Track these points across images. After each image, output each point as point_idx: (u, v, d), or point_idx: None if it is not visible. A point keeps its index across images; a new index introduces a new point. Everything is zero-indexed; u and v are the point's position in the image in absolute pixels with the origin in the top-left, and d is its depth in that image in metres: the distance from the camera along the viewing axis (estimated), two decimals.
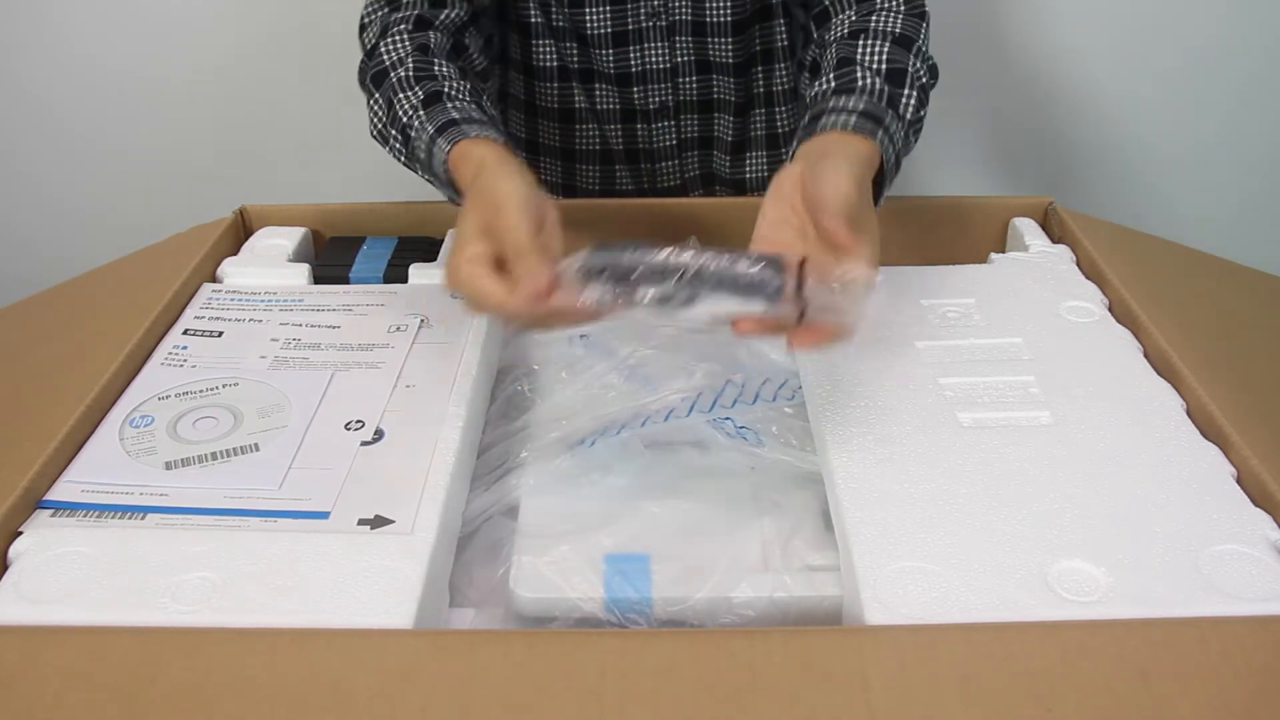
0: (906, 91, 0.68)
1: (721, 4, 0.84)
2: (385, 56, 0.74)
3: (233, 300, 0.72)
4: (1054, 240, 0.78)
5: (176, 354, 0.66)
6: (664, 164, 0.93)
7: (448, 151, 0.65)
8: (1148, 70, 1.31)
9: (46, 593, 0.48)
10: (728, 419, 0.63)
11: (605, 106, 0.90)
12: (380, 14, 0.77)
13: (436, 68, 0.72)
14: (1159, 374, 0.62)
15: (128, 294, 0.71)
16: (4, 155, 1.39)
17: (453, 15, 0.77)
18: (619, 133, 0.91)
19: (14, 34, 1.30)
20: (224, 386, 0.63)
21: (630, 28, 0.85)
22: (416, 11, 0.76)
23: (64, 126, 1.37)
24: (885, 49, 0.71)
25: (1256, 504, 0.52)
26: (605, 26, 0.85)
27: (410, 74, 0.72)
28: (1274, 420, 0.57)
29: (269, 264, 0.76)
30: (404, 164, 0.74)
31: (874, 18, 0.73)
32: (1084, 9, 1.27)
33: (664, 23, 0.85)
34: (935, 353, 0.64)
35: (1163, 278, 0.71)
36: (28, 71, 1.33)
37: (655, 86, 0.88)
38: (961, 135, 1.37)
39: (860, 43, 0.71)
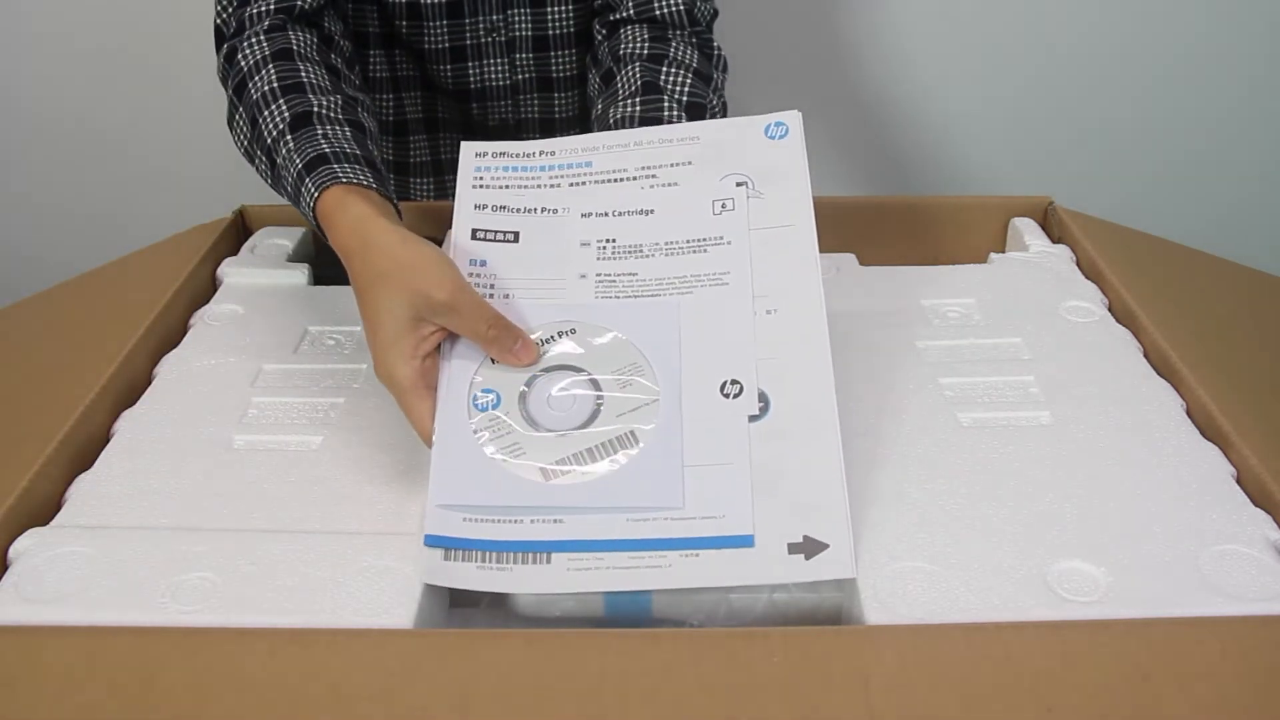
0: None
1: (563, 14, 0.81)
2: (244, 61, 0.67)
3: (509, 172, 0.54)
4: (1054, 240, 0.78)
5: (478, 273, 0.50)
6: None
7: (316, 198, 0.59)
8: (1148, 70, 1.31)
9: (46, 593, 0.48)
10: None
11: (445, 116, 0.87)
12: (233, 10, 0.70)
13: (305, 74, 0.65)
14: (1159, 374, 0.62)
15: (128, 294, 0.71)
16: (3, 156, 1.39)
17: (309, 2, 0.70)
18: (453, 144, 0.87)
19: (11, 34, 1.30)
20: (560, 335, 0.48)
21: (469, 43, 0.82)
22: (270, 5, 0.69)
23: (63, 126, 1.37)
24: (689, 80, 0.72)
25: (1256, 504, 0.52)
26: (443, 41, 0.81)
27: (275, 86, 0.65)
28: (1274, 420, 0.57)
29: (269, 264, 0.76)
30: (271, 187, 0.66)
31: (672, 45, 0.74)
32: (1085, 9, 1.27)
33: (503, 38, 0.82)
34: (935, 353, 0.64)
35: (1163, 278, 0.71)
36: (25, 71, 1.33)
37: (495, 103, 0.85)
38: (962, 135, 1.37)
39: (663, 69, 0.73)
